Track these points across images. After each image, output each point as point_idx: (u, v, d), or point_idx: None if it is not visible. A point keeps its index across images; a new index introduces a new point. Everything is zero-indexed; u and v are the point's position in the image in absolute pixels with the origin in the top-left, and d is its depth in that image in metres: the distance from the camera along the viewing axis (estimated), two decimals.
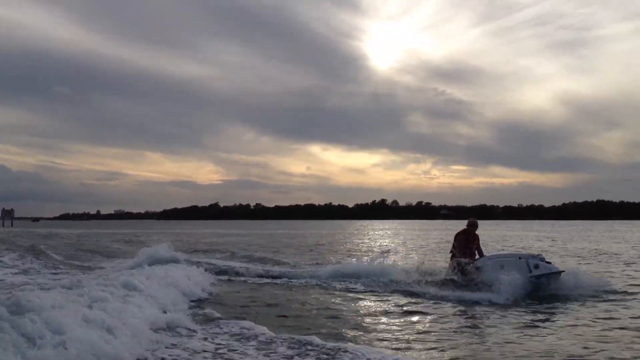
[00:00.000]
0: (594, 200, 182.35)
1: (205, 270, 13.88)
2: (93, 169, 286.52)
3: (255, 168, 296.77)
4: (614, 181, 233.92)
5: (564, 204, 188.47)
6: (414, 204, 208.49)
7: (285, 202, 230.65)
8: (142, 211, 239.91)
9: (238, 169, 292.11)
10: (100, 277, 9.95)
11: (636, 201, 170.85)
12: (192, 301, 9.93)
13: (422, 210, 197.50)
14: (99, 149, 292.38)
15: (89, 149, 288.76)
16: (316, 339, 6.76)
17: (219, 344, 6.72)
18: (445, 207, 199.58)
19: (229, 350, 6.41)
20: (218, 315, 8.55)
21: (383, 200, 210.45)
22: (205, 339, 6.97)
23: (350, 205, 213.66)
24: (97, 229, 67.45)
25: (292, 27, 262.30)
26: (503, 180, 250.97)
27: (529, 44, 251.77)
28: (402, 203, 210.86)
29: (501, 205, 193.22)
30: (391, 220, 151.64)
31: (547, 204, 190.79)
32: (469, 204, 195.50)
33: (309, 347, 6.48)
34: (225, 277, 14.26)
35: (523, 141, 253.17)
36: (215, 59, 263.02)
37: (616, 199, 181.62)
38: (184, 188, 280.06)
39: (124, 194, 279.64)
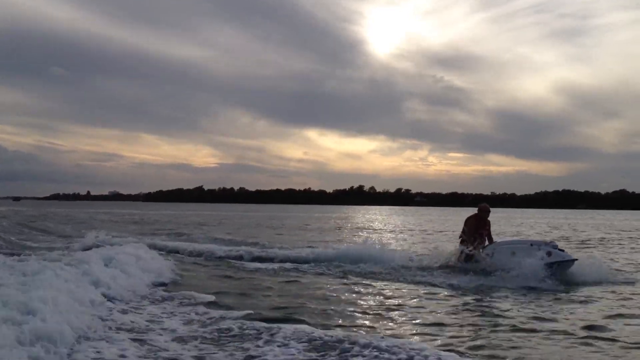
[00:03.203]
0: (587, 190, 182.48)
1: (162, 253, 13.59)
2: (89, 150, 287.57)
3: (252, 152, 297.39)
4: (611, 170, 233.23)
5: (536, 192, 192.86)
6: (392, 190, 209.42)
7: (282, 187, 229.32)
8: (138, 193, 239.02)
9: (235, 153, 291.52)
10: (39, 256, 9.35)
11: (632, 191, 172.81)
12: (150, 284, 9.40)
13: (398, 197, 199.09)
14: (95, 130, 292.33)
15: (86, 130, 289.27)
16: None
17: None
18: (420, 194, 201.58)
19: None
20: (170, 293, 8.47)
21: (361, 187, 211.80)
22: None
23: (330, 190, 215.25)
24: (59, 209, 67.40)
25: (291, 11, 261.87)
26: (500, 168, 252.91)
27: (529, 31, 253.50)
28: (390, 189, 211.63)
29: (497, 192, 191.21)
30: (365, 206, 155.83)
31: (544, 193, 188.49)
32: (460, 191, 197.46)
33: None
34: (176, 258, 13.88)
35: (521, 129, 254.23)
36: (213, 41, 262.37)
37: (610, 189, 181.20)
38: (180, 171, 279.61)
39: (119, 175, 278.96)
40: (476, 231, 11.83)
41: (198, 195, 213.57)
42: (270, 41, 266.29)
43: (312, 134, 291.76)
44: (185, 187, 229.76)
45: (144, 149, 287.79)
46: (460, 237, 12.15)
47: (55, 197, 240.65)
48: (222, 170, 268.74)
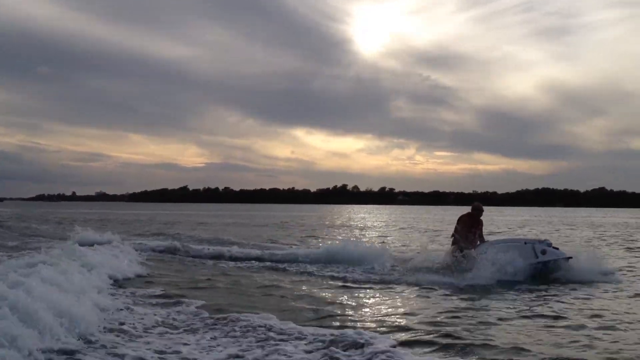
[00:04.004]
0: (566, 188, 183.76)
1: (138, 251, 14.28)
2: (75, 149, 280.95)
3: (240, 151, 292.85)
4: (597, 168, 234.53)
5: (517, 191, 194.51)
6: (376, 189, 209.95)
7: (269, 186, 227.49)
8: (124, 193, 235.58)
9: (222, 152, 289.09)
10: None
11: (610, 188, 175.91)
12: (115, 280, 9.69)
13: (381, 195, 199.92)
14: (81, 129, 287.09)
15: (71, 129, 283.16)
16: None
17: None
18: (403, 193, 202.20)
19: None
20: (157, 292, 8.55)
21: (344, 185, 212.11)
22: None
23: (313, 190, 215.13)
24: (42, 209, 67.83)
25: (278, 9, 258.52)
26: (487, 167, 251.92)
27: (515, 30, 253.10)
28: (374, 188, 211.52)
29: (480, 191, 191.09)
30: (347, 205, 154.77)
31: (524, 191, 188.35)
32: (445, 190, 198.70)
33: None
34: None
35: (507, 128, 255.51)
36: (199, 39, 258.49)
37: (593, 187, 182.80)
38: (166, 170, 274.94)
39: (105, 175, 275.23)
40: (469, 230, 11.71)
41: (182, 195, 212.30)
42: (257, 39, 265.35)
43: (300, 132, 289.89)
44: (171, 187, 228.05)
45: (131, 148, 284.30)
46: (452, 235, 12.01)
47: (41, 197, 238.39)
48: (209, 169, 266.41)
